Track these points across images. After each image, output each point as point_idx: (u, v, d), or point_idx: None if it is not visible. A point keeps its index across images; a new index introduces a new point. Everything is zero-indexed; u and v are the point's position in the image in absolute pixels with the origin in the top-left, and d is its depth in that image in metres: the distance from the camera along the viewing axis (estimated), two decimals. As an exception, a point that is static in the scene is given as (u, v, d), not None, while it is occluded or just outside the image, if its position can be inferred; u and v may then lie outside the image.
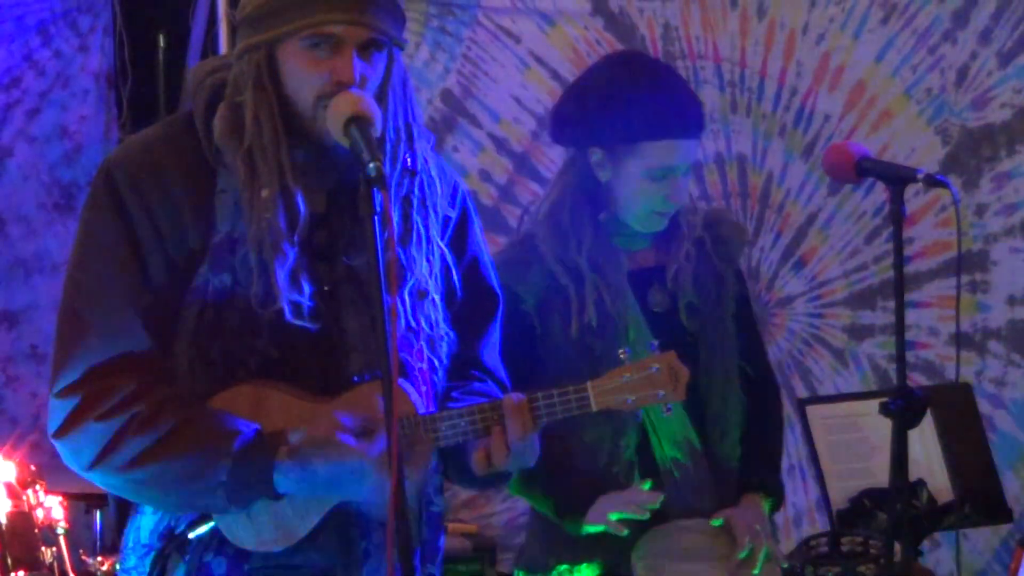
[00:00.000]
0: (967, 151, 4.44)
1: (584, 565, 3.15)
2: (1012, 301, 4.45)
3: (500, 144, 4.87)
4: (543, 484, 3.13)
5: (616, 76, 3.21)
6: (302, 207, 2.38)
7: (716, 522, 3.10)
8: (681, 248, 3.20)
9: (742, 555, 3.04)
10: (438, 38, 4.90)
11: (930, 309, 4.56)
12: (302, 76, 2.36)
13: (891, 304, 4.57)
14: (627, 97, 3.13)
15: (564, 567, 3.17)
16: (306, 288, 2.39)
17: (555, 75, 4.95)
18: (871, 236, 4.67)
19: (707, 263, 3.23)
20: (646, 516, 3.02)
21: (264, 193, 2.36)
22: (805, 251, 4.73)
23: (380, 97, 2.39)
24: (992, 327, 4.44)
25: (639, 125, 3.10)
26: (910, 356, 4.50)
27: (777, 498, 3.27)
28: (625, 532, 3.03)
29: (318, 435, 2.33)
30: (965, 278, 4.50)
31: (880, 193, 4.55)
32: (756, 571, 3.05)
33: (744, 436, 3.25)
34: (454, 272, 2.57)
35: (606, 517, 3.04)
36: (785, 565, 3.14)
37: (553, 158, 4.87)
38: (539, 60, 4.96)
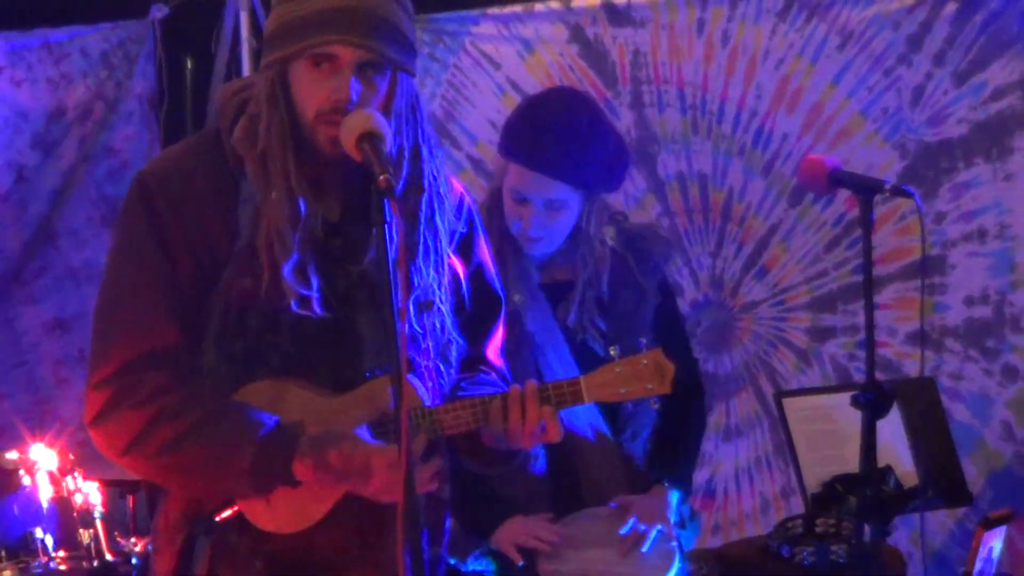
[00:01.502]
0: (925, 164, 4.40)
1: (494, 553, 3.16)
2: (969, 301, 4.42)
3: (477, 165, 4.83)
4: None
5: (534, 100, 3.28)
6: (303, 208, 2.39)
7: (612, 505, 3.12)
8: (590, 263, 3.21)
9: (623, 531, 3.04)
10: (427, 64, 4.86)
11: (889, 311, 4.50)
12: (306, 92, 2.38)
13: (851, 307, 4.57)
14: (520, 119, 3.20)
15: (479, 551, 3.18)
16: (314, 282, 2.40)
17: None
18: (831, 245, 4.62)
19: (628, 276, 3.25)
20: (546, 549, 3.04)
21: (273, 195, 2.39)
22: (767, 260, 4.68)
23: (383, 116, 2.39)
24: (950, 325, 4.40)
25: (510, 145, 3.16)
26: None
27: (685, 491, 3.28)
28: (520, 563, 3.06)
29: (336, 429, 2.35)
30: (926, 280, 4.50)
31: (839, 204, 4.54)
32: (646, 550, 3.06)
33: (656, 435, 3.27)
34: (463, 284, 2.59)
35: (510, 544, 3.07)
36: (674, 543, 3.14)
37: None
38: (514, 85, 4.93)
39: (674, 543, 3.13)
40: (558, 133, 3.10)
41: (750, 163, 4.68)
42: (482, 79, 4.97)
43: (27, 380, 5.19)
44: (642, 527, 3.07)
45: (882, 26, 4.45)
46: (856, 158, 4.52)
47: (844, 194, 4.39)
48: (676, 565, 3.06)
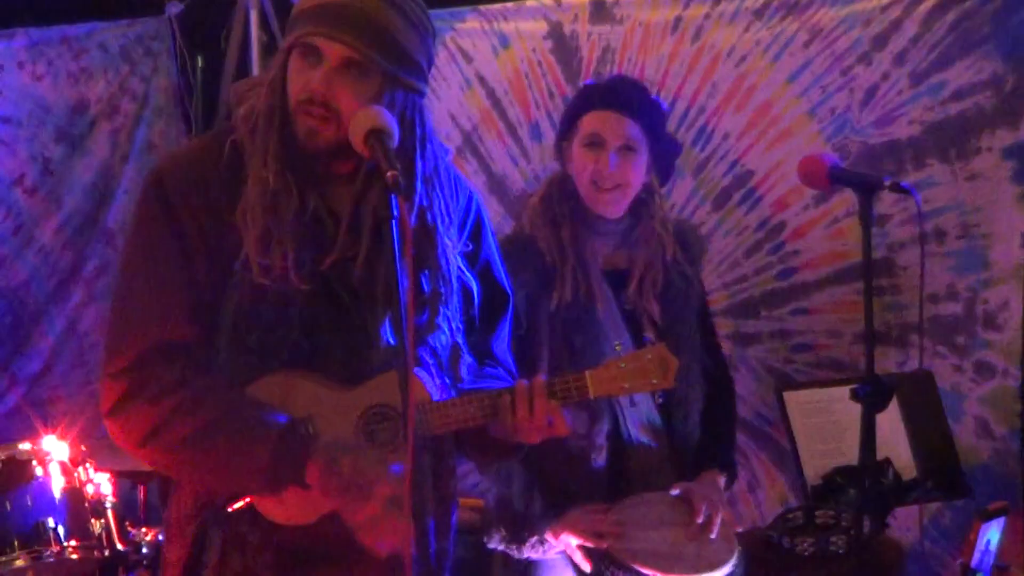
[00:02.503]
0: (866, 165, 4.25)
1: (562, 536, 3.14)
2: (934, 299, 4.28)
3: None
4: (523, 477, 3.14)
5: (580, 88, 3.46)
6: (272, 185, 2.36)
7: (674, 492, 3.11)
8: (647, 252, 3.24)
9: (700, 520, 3.04)
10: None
11: (826, 314, 4.39)
12: (292, 81, 2.38)
13: (775, 313, 4.49)
14: (577, 93, 3.37)
15: (536, 538, 3.15)
16: (289, 257, 2.36)
17: (491, 94, 4.86)
18: (751, 250, 4.52)
19: (677, 267, 3.27)
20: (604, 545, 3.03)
21: (253, 172, 2.38)
22: None
23: None
24: (911, 323, 4.25)
25: (577, 105, 3.27)
26: (811, 356, 4.45)
27: (731, 473, 3.28)
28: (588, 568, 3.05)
29: (352, 441, 2.35)
30: None
31: (764, 209, 4.47)
32: (713, 535, 3.04)
33: (703, 420, 3.26)
34: (474, 285, 2.57)
35: (568, 542, 3.06)
36: (740, 530, 3.14)
37: (468, 172, 4.79)
38: (482, 80, 4.87)
39: (736, 530, 3.12)
40: (630, 82, 3.33)
41: (684, 161, 4.55)
42: (452, 73, 4.92)
43: (84, 379, 5.18)
44: (710, 514, 3.07)
45: (852, 24, 4.36)
46: (794, 159, 4.35)
47: (770, 198, 4.41)
48: (737, 551, 3.04)
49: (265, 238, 2.35)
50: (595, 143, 3.18)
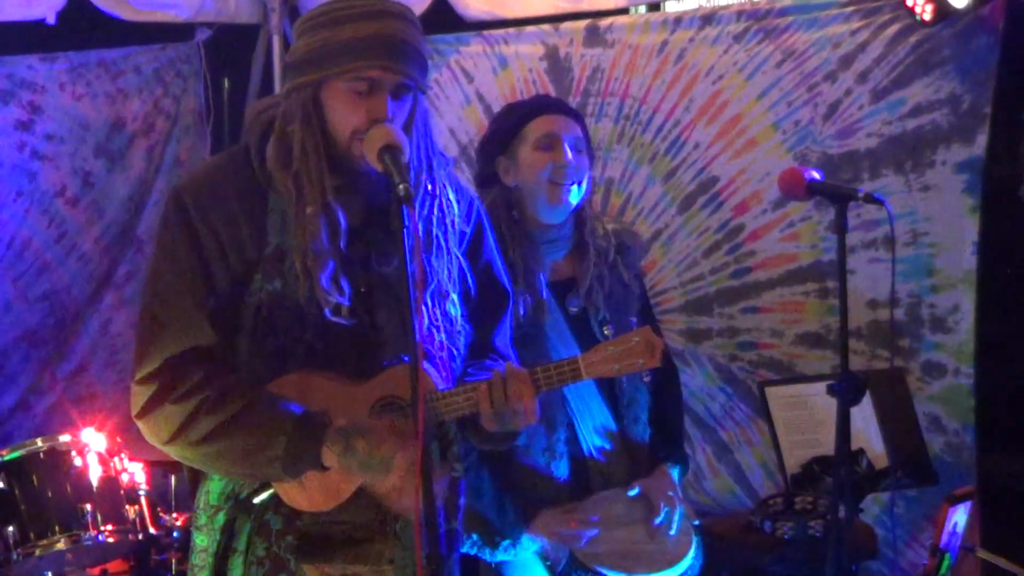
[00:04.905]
0: (825, 174, 4.30)
1: (525, 538, 3.06)
2: (873, 305, 4.25)
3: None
4: (489, 497, 3.05)
5: (505, 107, 3.31)
6: (343, 221, 2.38)
7: (632, 492, 3.04)
8: (590, 262, 3.16)
9: (659, 520, 2.99)
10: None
11: (773, 314, 4.37)
12: (343, 112, 2.36)
13: (727, 311, 4.46)
14: (510, 109, 3.24)
15: (508, 542, 3.07)
16: (346, 290, 2.38)
17: (487, 110, 4.84)
18: (710, 250, 4.49)
19: (615, 273, 3.20)
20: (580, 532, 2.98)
21: (309, 210, 2.36)
22: (646, 263, 4.49)
23: (406, 132, 2.39)
24: (852, 327, 4.05)
25: (520, 114, 3.14)
26: (753, 355, 4.42)
27: (684, 465, 3.22)
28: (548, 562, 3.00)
29: (365, 422, 2.34)
30: (815, 285, 4.34)
31: (725, 211, 4.45)
32: (673, 531, 3.00)
33: (652, 417, 3.21)
34: (469, 277, 2.57)
35: (550, 533, 2.99)
36: (697, 522, 3.10)
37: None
38: (481, 97, 4.85)
39: (695, 522, 3.09)
40: (542, 94, 3.25)
41: (656, 169, 4.56)
42: (455, 92, 4.91)
43: (116, 377, 5.18)
44: (668, 510, 3.02)
45: (823, 46, 4.33)
46: (757, 166, 4.40)
47: (731, 203, 4.39)
48: (696, 541, 3.02)
49: (335, 277, 2.36)
50: (549, 142, 3.07)
